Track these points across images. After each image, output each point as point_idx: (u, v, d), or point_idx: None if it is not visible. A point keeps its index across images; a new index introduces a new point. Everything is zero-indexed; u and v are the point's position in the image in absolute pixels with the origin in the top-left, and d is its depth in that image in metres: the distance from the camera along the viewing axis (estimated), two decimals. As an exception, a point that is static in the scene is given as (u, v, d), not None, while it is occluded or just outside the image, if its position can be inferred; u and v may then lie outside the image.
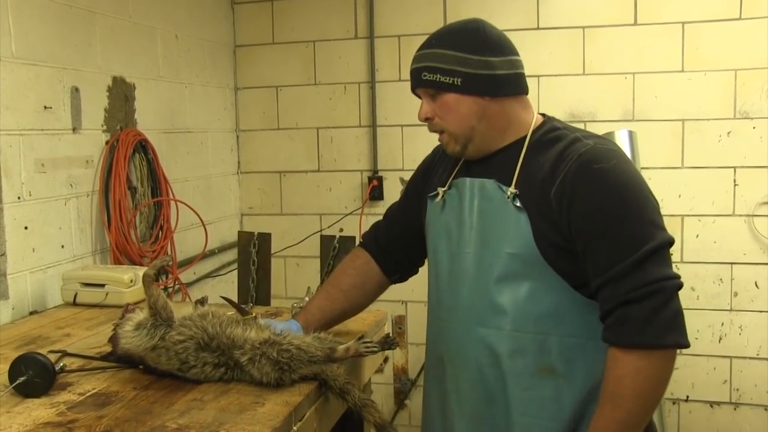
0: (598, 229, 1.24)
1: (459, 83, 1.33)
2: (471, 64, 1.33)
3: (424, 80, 1.37)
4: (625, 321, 1.20)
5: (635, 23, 2.92)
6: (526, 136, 1.36)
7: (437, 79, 1.35)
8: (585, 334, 1.30)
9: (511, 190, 1.32)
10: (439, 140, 1.43)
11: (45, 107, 2.09)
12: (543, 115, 1.42)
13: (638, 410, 1.22)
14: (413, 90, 1.43)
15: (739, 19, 2.82)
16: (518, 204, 1.31)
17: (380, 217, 1.68)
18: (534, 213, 1.29)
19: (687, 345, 1.22)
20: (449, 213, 1.42)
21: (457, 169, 1.46)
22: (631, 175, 1.27)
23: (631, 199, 1.24)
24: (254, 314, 1.54)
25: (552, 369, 1.31)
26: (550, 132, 1.36)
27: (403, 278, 1.64)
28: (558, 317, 1.30)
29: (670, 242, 1.24)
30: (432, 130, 1.42)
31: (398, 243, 1.60)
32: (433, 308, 1.48)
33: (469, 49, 1.34)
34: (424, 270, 1.70)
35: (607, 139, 1.38)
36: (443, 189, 1.44)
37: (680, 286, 1.22)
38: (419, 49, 1.41)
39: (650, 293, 1.19)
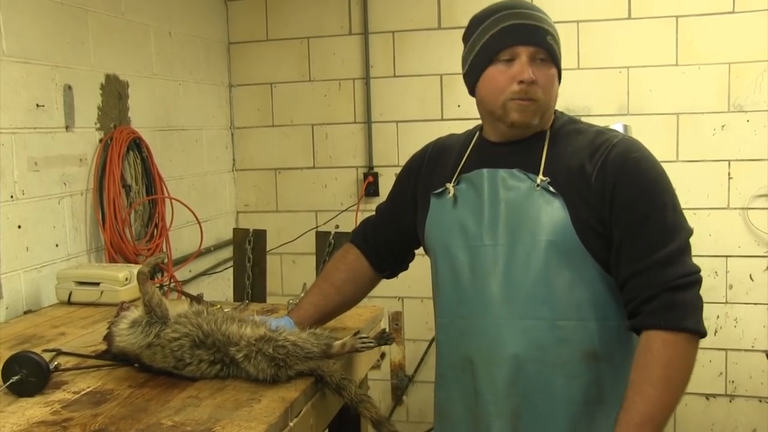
0: (639, 215, 1.27)
1: (559, 63, 1.36)
2: (560, 47, 1.37)
3: (548, 43, 1.32)
4: (674, 306, 1.24)
5: (629, 17, 2.92)
6: (546, 128, 1.38)
7: (556, 50, 1.33)
8: (619, 316, 1.33)
9: (541, 177, 1.31)
10: (522, 105, 1.31)
11: (37, 105, 2.08)
12: None
13: (681, 392, 1.25)
14: (522, 44, 1.30)
15: (733, 12, 2.82)
16: (552, 190, 1.30)
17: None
18: (572, 199, 1.30)
19: (706, 334, 1.29)
20: (463, 208, 1.39)
21: (463, 163, 1.43)
22: (661, 166, 1.33)
23: (667, 188, 1.31)
24: (219, 305, 1.54)
25: (594, 354, 1.32)
26: (570, 124, 1.40)
27: (393, 275, 1.64)
28: (596, 302, 1.32)
29: (692, 232, 1.31)
30: (527, 96, 1.30)
31: (387, 242, 1.59)
32: (449, 307, 1.42)
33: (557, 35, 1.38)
34: (419, 267, 1.71)
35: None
36: (451, 184, 1.41)
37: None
38: (525, 7, 1.34)
39: (693, 282, 1.26)
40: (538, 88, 1.30)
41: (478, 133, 1.46)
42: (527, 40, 1.30)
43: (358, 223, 1.70)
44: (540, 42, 1.31)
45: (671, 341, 1.23)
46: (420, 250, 1.60)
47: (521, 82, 1.29)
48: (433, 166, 1.50)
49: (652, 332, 1.25)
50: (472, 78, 1.38)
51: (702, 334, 1.26)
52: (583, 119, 1.46)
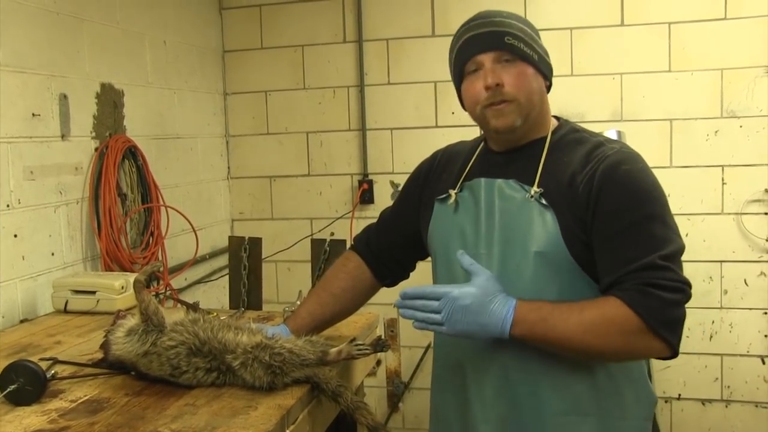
0: (623, 225, 1.24)
1: (536, 59, 1.34)
2: (541, 46, 1.37)
3: (508, 43, 1.31)
4: (649, 296, 1.19)
5: (622, 24, 2.94)
6: (546, 136, 1.38)
7: (521, 47, 1.32)
8: None
9: (535, 189, 1.31)
10: (497, 110, 1.32)
11: (33, 114, 2.08)
12: (554, 116, 1.44)
13: (588, 352, 1.24)
14: (481, 52, 1.32)
15: (725, 19, 2.85)
16: (544, 202, 1.30)
17: (371, 221, 1.67)
18: (562, 210, 1.29)
19: (677, 354, 1.23)
20: (463, 215, 1.40)
21: (467, 171, 1.44)
22: (656, 180, 1.31)
23: (656, 201, 1.28)
24: (215, 313, 1.54)
25: (586, 365, 1.31)
26: (571, 133, 1.39)
27: (394, 283, 1.63)
28: None
29: (684, 249, 1.26)
30: (496, 99, 1.32)
31: (391, 249, 1.58)
32: None
33: (536, 34, 1.38)
34: (415, 273, 1.71)
35: (629, 146, 1.39)
36: (454, 191, 1.42)
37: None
38: (484, 17, 1.35)
39: (677, 288, 1.20)
40: (507, 88, 1.31)
41: (483, 141, 1.48)
42: (485, 47, 1.33)
43: (358, 230, 1.70)
44: (498, 45, 1.32)
45: (629, 315, 1.19)
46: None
47: (488, 88, 1.32)
48: (440, 173, 1.51)
49: (630, 306, 1.19)
50: (457, 94, 1.42)
51: (672, 347, 1.20)
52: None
